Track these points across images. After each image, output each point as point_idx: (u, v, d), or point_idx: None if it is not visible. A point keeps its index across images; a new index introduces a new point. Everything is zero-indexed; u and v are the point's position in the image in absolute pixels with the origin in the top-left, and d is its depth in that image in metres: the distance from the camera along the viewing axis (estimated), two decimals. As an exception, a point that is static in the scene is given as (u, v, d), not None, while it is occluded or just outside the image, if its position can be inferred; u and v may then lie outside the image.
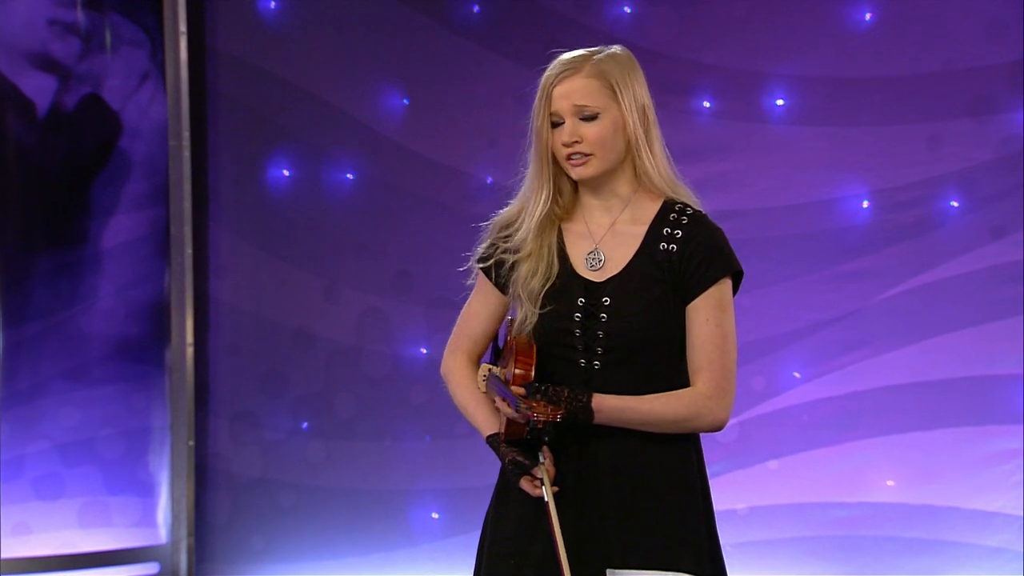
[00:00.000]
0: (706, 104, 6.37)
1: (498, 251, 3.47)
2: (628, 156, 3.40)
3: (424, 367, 6.51)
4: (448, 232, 6.36)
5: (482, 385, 3.47)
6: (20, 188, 6.41)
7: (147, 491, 6.58)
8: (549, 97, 3.38)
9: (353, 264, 6.57)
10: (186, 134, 6.57)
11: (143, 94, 6.55)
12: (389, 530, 6.56)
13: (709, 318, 3.35)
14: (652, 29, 6.35)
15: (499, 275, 3.47)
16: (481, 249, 3.50)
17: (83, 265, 6.48)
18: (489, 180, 6.44)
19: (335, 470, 6.59)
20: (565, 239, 3.45)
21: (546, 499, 3.30)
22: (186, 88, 6.57)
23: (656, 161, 3.40)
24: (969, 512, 6.22)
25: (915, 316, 6.25)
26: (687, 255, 3.37)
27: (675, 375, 3.38)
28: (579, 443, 3.37)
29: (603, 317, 3.36)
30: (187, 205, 6.58)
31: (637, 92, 3.38)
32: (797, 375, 6.33)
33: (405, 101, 6.57)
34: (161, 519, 6.59)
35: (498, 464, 3.42)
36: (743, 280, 3.41)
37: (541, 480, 3.32)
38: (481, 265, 3.49)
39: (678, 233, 3.39)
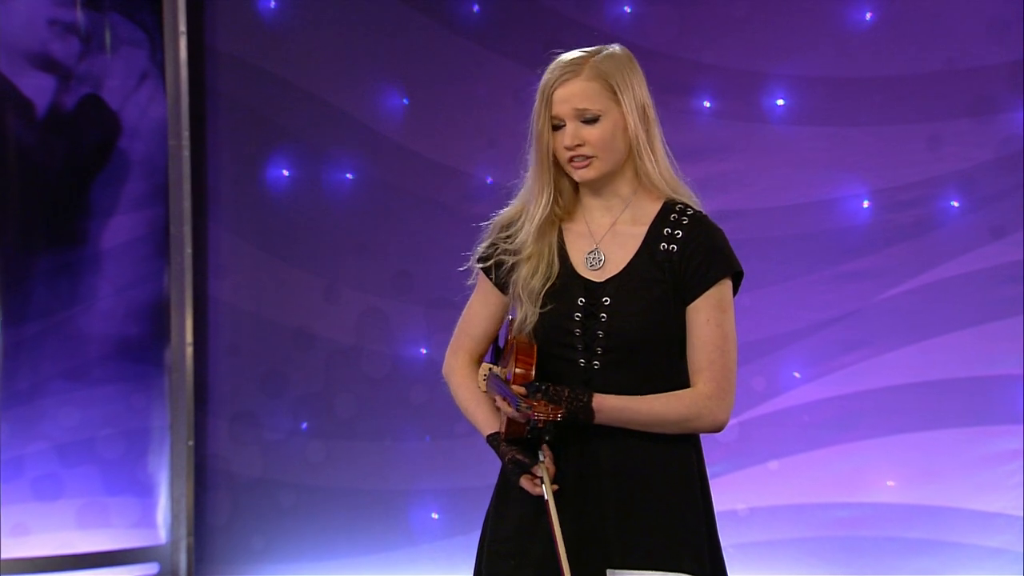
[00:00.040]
0: (706, 104, 6.36)
1: (498, 251, 3.47)
2: (629, 157, 3.40)
3: (424, 367, 6.51)
4: (448, 232, 6.36)
5: (483, 384, 3.47)
6: (20, 188, 6.41)
7: (146, 491, 6.58)
8: (550, 101, 3.37)
9: (353, 264, 6.57)
10: (186, 134, 6.57)
11: (142, 94, 6.54)
12: (389, 530, 6.56)
13: (709, 319, 3.35)
14: (652, 29, 6.35)
15: (499, 275, 3.47)
16: (481, 249, 3.50)
17: (83, 265, 6.48)
18: (489, 180, 6.43)
19: (335, 470, 6.59)
20: (565, 239, 3.44)
21: (546, 497, 3.30)
22: (186, 88, 6.57)
23: (657, 161, 3.40)
24: (969, 512, 6.22)
25: (915, 316, 6.25)
26: (687, 255, 3.36)
27: (675, 375, 3.38)
28: (579, 443, 3.37)
29: (603, 317, 3.36)
30: (186, 205, 6.58)
31: (637, 92, 3.38)
32: (797, 375, 6.33)
33: (405, 101, 6.56)
34: (161, 519, 6.59)
35: (498, 464, 3.42)
36: (743, 280, 3.41)
37: (541, 479, 3.32)
38: (481, 265, 3.49)
39: (678, 233, 3.39)
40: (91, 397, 6.48)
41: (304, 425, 6.61)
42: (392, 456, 6.56)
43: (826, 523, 6.30)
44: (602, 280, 3.39)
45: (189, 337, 6.60)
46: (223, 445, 6.63)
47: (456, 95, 6.50)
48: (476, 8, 6.49)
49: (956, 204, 6.24)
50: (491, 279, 3.48)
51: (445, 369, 3.56)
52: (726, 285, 3.37)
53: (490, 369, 3.47)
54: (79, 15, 6.44)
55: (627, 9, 6.40)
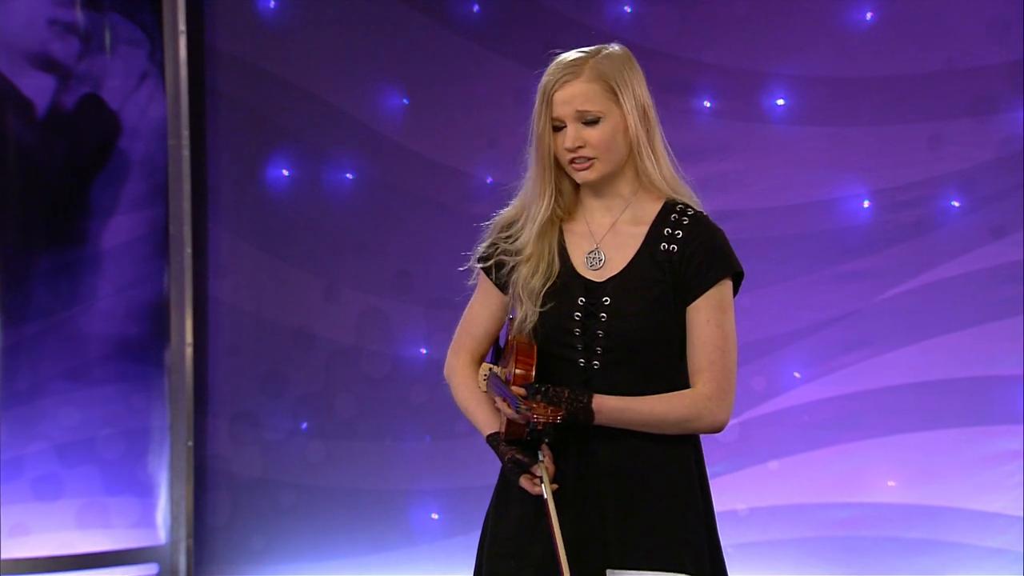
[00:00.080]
0: (706, 104, 6.36)
1: (499, 251, 3.47)
2: (630, 157, 3.40)
3: (424, 367, 6.50)
4: (448, 232, 6.36)
5: (483, 384, 3.47)
6: (20, 188, 6.41)
7: (146, 492, 6.57)
8: (550, 102, 3.37)
9: (353, 264, 6.57)
10: (185, 133, 6.57)
11: (142, 94, 6.54)
12: (389, 530, 6.56)
13: (710, 319, 3.35)
14: (652, 28, 6.35)
15: (500, 275, 3.47)
16: (482, 249, 3.50)
17: (83, 265, 6.48)
18: (489, 180, 6.43)
19: (335, 470, 6.59)
20: (566, 238, 3.44)
21: (545, 497, 3.30)
22: (185, 87, 6.56)
23: (658, 161, 3.40)
24: (969, 513, 6.22)
25: (915, 316, 6.25)
26: (688, 256, 3.36)
27: (675, 375, 3.38)
28: (579, 443, 3.36)
29: (603, 317, 3.36)
30: (186, 205, 6.58)
31: (637, 93, 3.38)
32: (797, 375, 6.33)
33: (405, 101, 6.56)
34: (160, 520, 6.59)
35: (498, 464, 3.42)
36: (743, 280, 3.41)
37: (540, 478, 3.32)
38: (482, 265, 3.49)
39: (679, 234, 3.39)
40: (91, 397, 6.48)
41: (304, 425, 6.61)
42: (392, 456, 6.56)
43: (826, 523, 6.29)
44: (602, 280, 3.39)
45: (189, 337, 6.60)
46: (223, 445, 6.63)
47: (456, 95, 6.50)
48: (476, 8, 6.49)
49: (956, 204, 6.24)
50: (492, 279, 3.48)
51: (446, 369, 3.56)
52: (726, 285, 3.37)
53: (490, 369, 3.46)
54: (79, 15, 6.43)
55: (627, 9, 6.39)
